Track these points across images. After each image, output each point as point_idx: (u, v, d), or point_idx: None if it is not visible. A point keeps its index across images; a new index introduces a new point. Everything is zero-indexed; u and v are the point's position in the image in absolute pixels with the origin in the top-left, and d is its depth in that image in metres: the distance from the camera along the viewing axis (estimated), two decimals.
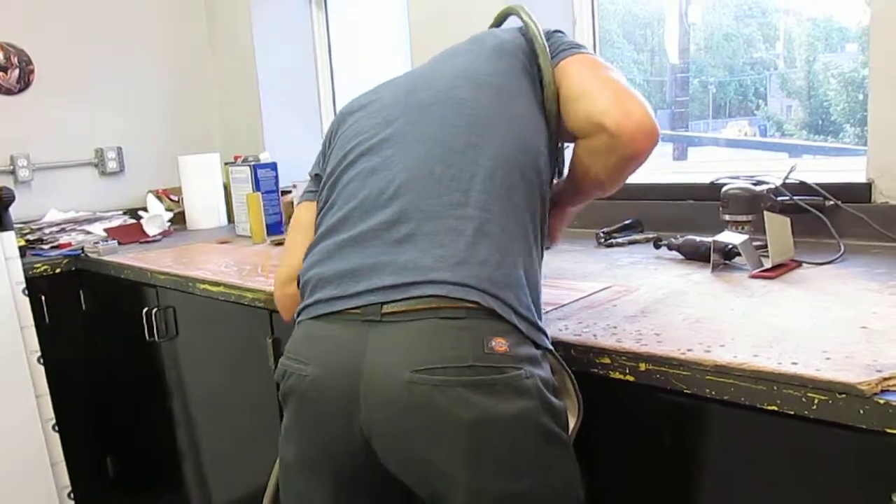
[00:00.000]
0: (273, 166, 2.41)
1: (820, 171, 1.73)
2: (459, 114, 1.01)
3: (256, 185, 2.34)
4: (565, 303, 1.23)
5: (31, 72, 2.73)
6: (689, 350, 0.94)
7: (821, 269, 1.32)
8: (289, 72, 3.07)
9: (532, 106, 1.06)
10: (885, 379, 0.79)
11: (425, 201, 0.94)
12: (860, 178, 1.55)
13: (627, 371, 0.98)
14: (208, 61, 3.19)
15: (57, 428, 2.23)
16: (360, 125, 1.07)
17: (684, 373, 0.92)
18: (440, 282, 0.87)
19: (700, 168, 2.23)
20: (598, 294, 1.27)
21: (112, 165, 2.92)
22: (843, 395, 0.79)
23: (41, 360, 2.19)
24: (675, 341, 0.98)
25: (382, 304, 0.87)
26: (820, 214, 1.51)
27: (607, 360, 1.00)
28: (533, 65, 1.09)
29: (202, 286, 1.78)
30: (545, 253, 1.10)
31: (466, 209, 0.93)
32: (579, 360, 1.02)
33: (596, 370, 1.01)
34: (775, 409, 0.85)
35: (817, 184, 1.56)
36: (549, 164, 1.07)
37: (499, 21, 1.27)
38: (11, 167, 2.68)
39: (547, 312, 1.18)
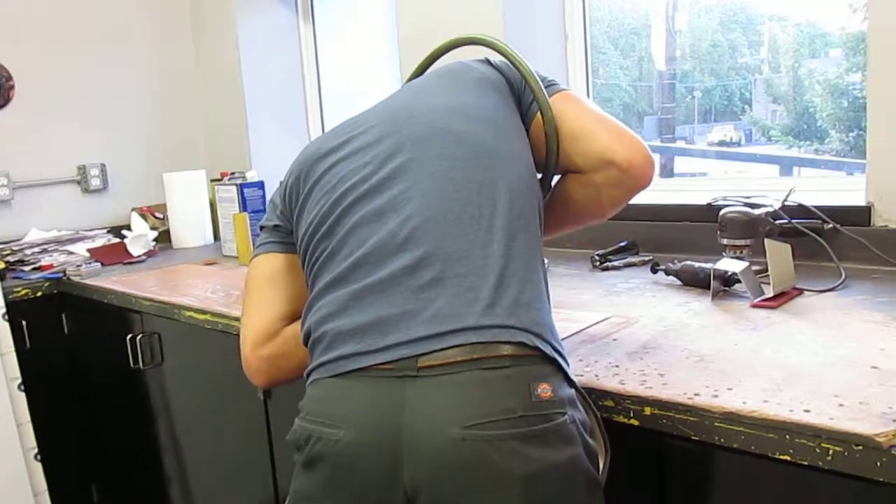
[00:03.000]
0: (260, 185, 2.37)
1: (817, 190, 1.71)
2: (463, 148, 0.97)
3: (243, 205, 2.30)
4: (564, 336, 1.19)
5: (11, 87, 2.67)
6: (696, 394, 0.91)
7: (823, 298, 1.30)
8: (276, 86, 3.03)
9: (523, 139, 1.05)
10: None
11: (447, 242, 0.88)
12: (859, 201, 1.52)
13: (632, 415, 0.95)
14: (194, 76, 3.14)
15: (40, 457, 2.18)
16: (346, 167, 0.99)
17: (692, 418, 0.89)
18: (480, 327, 0.82)
19: (695, 186, 2.20)
20: (597, 326, 1.24)
21: (95, 183, 2.86)
22: (860, 447, 0.76)
23: (22, 387, 2.14)
24: (681, 383, 0.95)
25: (418, 357, 0.81)
26: (819, 238, 1.48)
27: (611, 403, 0.96)
28: (514, 97, 1.09)
29: (188, 314, 1.74)
30: None
31: (491, 247, 0.89)
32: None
33: (600, 413, 0.97)
34: (788, 458, 0.82)
35: (816, 206, 1.53)
36: (541, 197, 1.06)
37: (448, 48, 1.21)
38: None
39: None
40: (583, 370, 1.04)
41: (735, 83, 2.65)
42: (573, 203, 1.13)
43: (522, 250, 0.91)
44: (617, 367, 1.04)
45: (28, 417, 2.16)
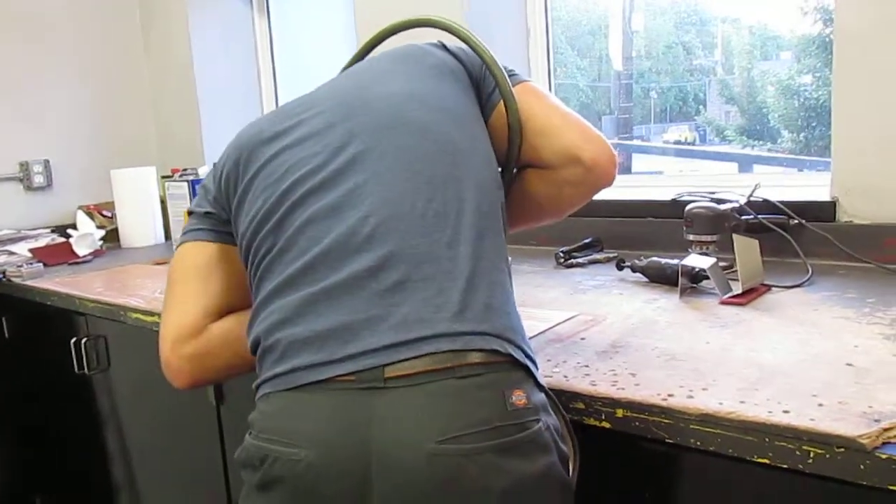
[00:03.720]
0: None
1: (781, 186, 1.70)
2: (425, 139, 0.90)
3: None
4: (530, 336, 1.14)
5: None
6: (669, 395, 0.87)
7: (791, 294, 1.28)
8: (230, 81, 2.93)
9: (484, 131, 0.99)
10: (885, 430, 0.73)
11: (412, 241, 0.81)
12: (824, 196, 1.51)
13: (603, 417, 0.90)
14: (144, 70, 3.03)
15: None
16: (294, 156, 0.91)
17: (666, 421, 0.85)
18: (451, 334, 0.76)
19: (653, 182, 2.19)
20: (564, 325, 1.20)
21: (39, 180, 2.74)
22: (842, 450, 0.73)
23: None
24: (654, 384, 0.91)
25: (384, 366, 0.74)
26: (785, 234, 1.47)
27: (581, 406, 0.92)
28: (473, 86, 1.03)
29: (134, 315, 1.65)
30: None
31: (459, 248, 0.82)
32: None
33: (571, 415, 0.93)
34: (767, 461, 0.78)
35: (781, 202, 1.52)
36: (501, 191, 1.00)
37: (400, 28, 1.11)
38: None
39: None
40: (551, 371, 0.99)
41: (690, 84, 2.67)
42: (532, 199, 1.07)
43: (490, 251, 0.86)
44: (587, 367, 1.00)
45: None
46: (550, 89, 2.23)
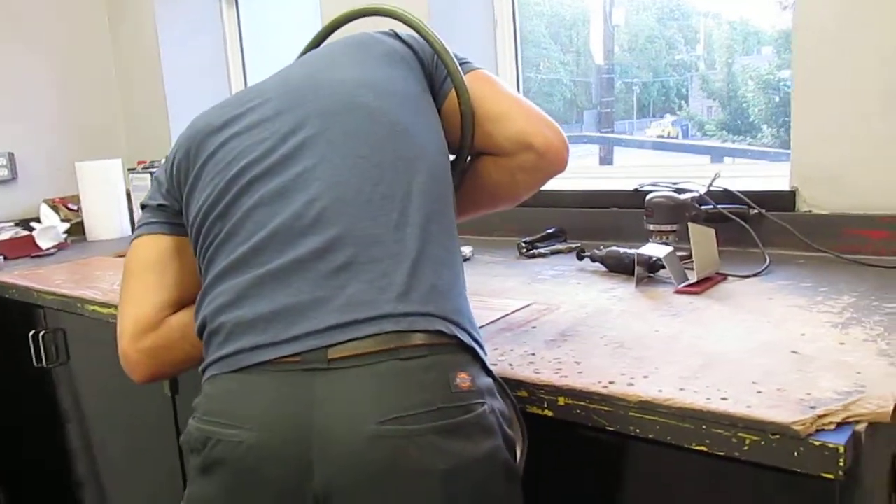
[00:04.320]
0: None
1: (744, 176, 1.69)
2: (375, 124, 0.89)
3: None
4: (482, 324, 1.13)
5: None
6: (610, 382, 0.86)
7: (747, 283, 1.27)
8: (198, 71, 2.89)
9: (436, 118, 0.99)
10: (820, 417, 0.72)
11: (359, 224, 0.81)
12: (784, 186, 1.51)
13: (546, 405, 0.89)
14: (111, 61, 2.98)
15: None
16: (242, 143, 0.90)
17: (606, 408, 0.84)
18: (396, 315, 0.76)
19: (627, 173, 2.17)
20: (517, 314, 1.18)
21: (3, 173, 2.69)
22: (777, 436, 0.72)
23: None
24: (597, 371, 0.90)
25: (328, 347, 0.74)
26: (744, 223, 1.46)
27: (525, 394, 0.91)
28: (426, 75, 1.02)
29: (91, 307, 1.63)
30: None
31: (406, 230, 0.82)
32: None
33: None
34: (704, 449, 0.77)
35: (741, 191, 1.51)
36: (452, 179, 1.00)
37: (350, 18, 1.11)
38: None
39: None
40: (497, 359, 0.98)
41: (672, 79, 2.66)
42: (487, 186, 1.08)
43: (439, 234, 0.85)
44: (533, 355, 0.98)
45: None
46: (518, 80, 2.22)
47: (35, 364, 1.86)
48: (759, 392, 0.79)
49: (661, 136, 2.75)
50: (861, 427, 0.72)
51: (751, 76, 2.41)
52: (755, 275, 1.31)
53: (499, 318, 1.16)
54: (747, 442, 0.74)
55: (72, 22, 2.87)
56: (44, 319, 1.87)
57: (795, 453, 0.71)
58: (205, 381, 0.82)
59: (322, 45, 1.12)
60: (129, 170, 2.56)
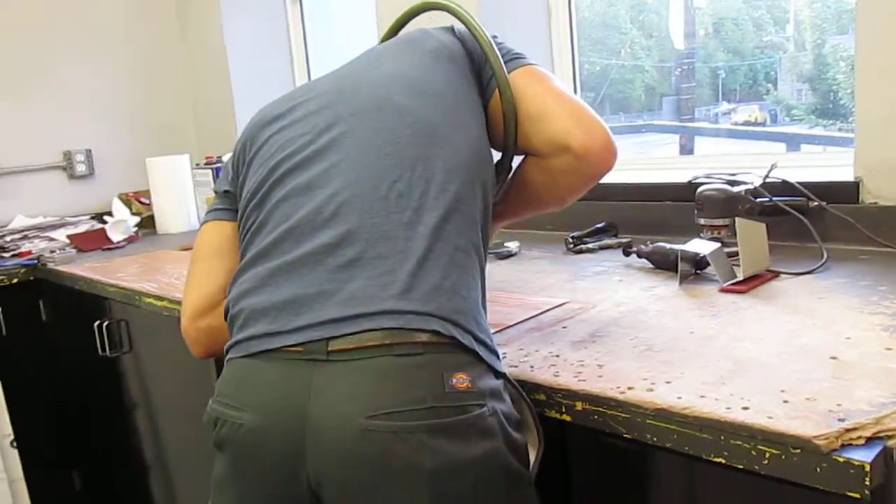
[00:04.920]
0: None
1: (807, 166, 1.60)
2: (402, 122, 0.91)
3: None
4: (511, 323, 1.11)
5: None
6: (629, 388, 0.82)
7: (799, 281, 1.20)
8: (263, 67, 2.95)
9: (477, 116, 0.98)
10: (847, 431, 0.67)
11: (371, 221, 0.83)
12: (847, 177, 1.42)
13: (564, 410, 0.86)
14: (181, 59, 3.08)
15: (16, 444, 2.15)
16: (284, 136, 0.95)
17: (623, 415, 0.80)
18: (395, 312, 0.76)
19: (705, 164, 2.08)
20: (551, 313, 1.15)
21: (81, 168, 2.82)
22: (798, 451, 0.67)
23: None
24: (618, 375, 0.86)
25: (328, 340, 0.76)
26: (802, 217, 1.38)
27: (542, 397, 0.88)
28: (474, 71, 1.02)
29: (147, 300, 1.68)
30: (506, 261, 1.19)
31: (417, 228, 0.82)
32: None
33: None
34: (722, 461, 0.73)
35: (800, 183, 1.43)
36: (493, 178, 0.99)
37: (413, 14, 1.15)
38: None
39: None
40: (520, 360, 0.96)
41: (760, 62, 2.54)
42: (530, 188, 1.06)
43: (453, 233, 0.85)
44: (557, 356, 0.96)
45: (3, 405, 2.13)
46: (574, 74, 2.16)
47: (100, 352, 1.94)
48: (786, 402, 0.74)
49: (749, 122, 2.64)
50: (893, 443, 0.66)
51: (842, 57, 2.29)
52: (809, 272, 1.23)
53: (531, 317, 1.13)
54: (767, 455, 0.70)
55: (145, 25, 2.98)
56: (108, 310, 1.95)
57: (818, 469, 0.66)
58: (225, 363, 0.85)
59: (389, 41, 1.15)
60: (196, 165, 2.63)
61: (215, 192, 1.08)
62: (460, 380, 0.75)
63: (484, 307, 0.88)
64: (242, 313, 0.84)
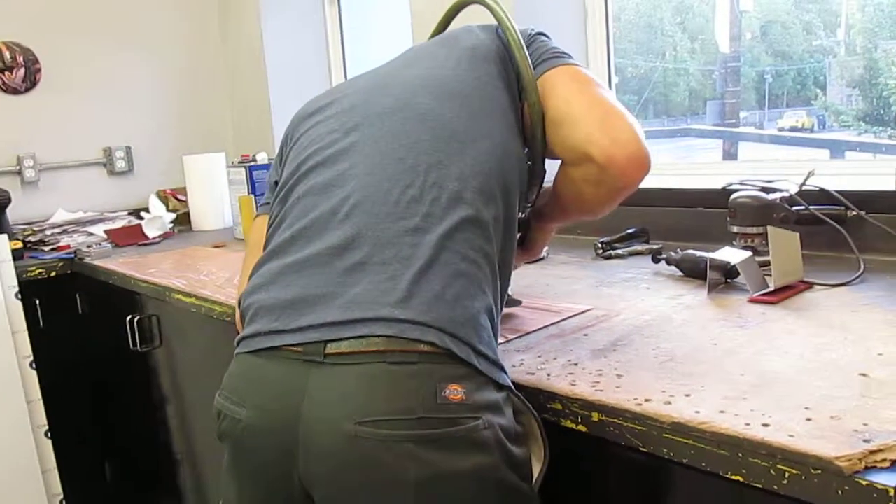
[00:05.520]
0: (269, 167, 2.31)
1: (846, 174, 1.55)
2: (423, 126, 0.89)
3: (252, 187, 2.25)
4: (532, 329, 1.09)
5: (38, 71, 2.69)
6: (646, 400, 0.80)
7: (833, 293, 1.16)
8: (300, 67, 2.97)
9: (507, 119, 0.95)
10: (872, 452, 0.64)
11: (379, 225, 0.82)
12: (889, 185, 1.36)
13: (580, 420, 0.84)
14: (220, 57, 3.12)
15: (49, 434, 2.19)
16: (316, 132, 0.95)
17: (639, 427, 0.78)
18: (392, 319, 0.75)
19: (745, 170, 2.03)
20: (573, 319, 1.13)
21: (121, 165, 2.87)
22: (818, 472, 0.64)
23: (33, 365, 2.15)
24: (636, 386, 0.84)
25: (326, 342, 0.76)
26: (839, 227, 1.33)
27: (558, 406, 0.86)
28: (511, 72, 0.98)
29: (177, 296, 1.70)
30: (533, 265, 1.10)
31: (425, 235, 0.81)
32: (530, 403, 0.88)
33: (548, 416, 0.88)
34: (740, 479, 0.70)
35: (839, 191, 1.38)
36: (522, 184, 0.96)
37: (453, 13, 1.15)
38: (18, 167, 2.65)
39: (509, 341, 1.05)
40: (537, 368, 0.94)
41: (809, 66, 2.48)
42: (559, 196, 1.03)
43: (463, 242, 0.82)
44: (575, 365, 0.93)
45: (39, 395, 2.17)
46: (609, 75, 2.12)
47: (131, 347, 1.97)
48: (809, 419, 0.71)
49: (796, 128, 2.57)
50: None
51: (894, 62, 2.22)
52: (844, 284, 1.19)
53: (551, 324, 1.11)
54: (787, 475, 0.67)
55: (186, 24, 3.03)
56: (140, 305, 1.98)
57: (840, 492, 0.63)
58: (234, 357, 0.86)
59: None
60: (231, 163, 2.65)
61: (268, 183, 1.10)
62: (454, 391, 0.74)
63: (495, 317, 0.85)
64: (252, 308, 0.85)
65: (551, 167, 1.02)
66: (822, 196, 1.40)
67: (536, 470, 0.81)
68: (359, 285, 0.78)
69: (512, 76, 0.99)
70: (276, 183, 1.04)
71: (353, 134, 0.91)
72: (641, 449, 0.78)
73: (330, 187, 0.87)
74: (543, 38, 1.03)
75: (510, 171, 0.92)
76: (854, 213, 1.35)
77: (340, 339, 0.75)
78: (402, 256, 0.79)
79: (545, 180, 1.05)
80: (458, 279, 0.80)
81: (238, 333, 1.01)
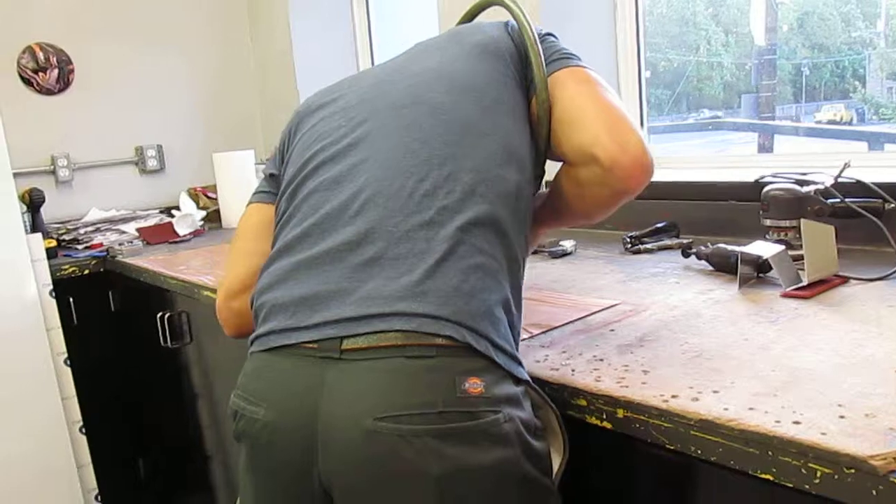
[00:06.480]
0: None
1: (886, 166, 1.50)
2: (435, 120, 0.88)
3: None
4: (558, 324, 1.08)
5: (71, 72, 2.73)
6: (673, 396, 0.78)
7: (869, 287, 1.12)
8: (329, 65, 2.98)
9: (517, 115, 0.94)
10: None
11: (393, 220, 0.81)
12: None
13: (605, 417, 0.83)
14: (249, 57, 3.14)
15: (84, 430, 2.23)
16: (323, 127, 0.95)
17: (666, 424, 0.76)
18: (409, 314, 0.75)
19: (780, 163, 1.98)
20: (600, 314, 1.11)
21: (152, 163, 2.91)
22: (852, 471, 0.62)
23: (68, 362, 2.19)
24: (663, 382, 0.82)
25: (342, 338, 0.75)
26: (876, 219, 1.29)
27: (583, 403, 0.85)
28: (520, 70, 0.98)
29: (205, 293, 1.71)
30: (560, 259, 1.13)
31: (441, 229, 0.80)
32: (554, 399, 0.87)
33: (573, 412, 0.86)
34: (770, 478, 0.68)
35: (876, 183, 1.34)
36: (533, 180, 0.95)
37: (475, 11, 1.14)
38: (52, 167, 2.70)
39: (533, 336, 1.04)
40: (562, 364, 0.92)
41: (848, 59, 2.43)
42: (561, 197, 1.01)
43: (478, 236, 0.81)
44: (601, 361, 0.92)
45: (73, 392, 2.21)
46: (639, 72, 2.09)
47: (162, 343, 1.99)
48: (842, 417, 0.69)
49: (834, 121, 2.52)
50: None
51: None
52: (881, 278, 1.15)
53: (577, 319, 1.10)
54: (818, 474, 0.65)
55: (216, 25, 3.05)
56: (171, 302, 2.00)
57: (874, 492, 0.61)
58: (248, 356, 0.86)
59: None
60: (259, 161, 2.67)
61: (263, 174, 1.09)
62: (474, 385, 0.73)
63: (514, 311, 0.84)
64: (265, 307, 0.84)
65: (551, 168, 1.01)
66: (859, 188, 1.36)
67: (556, 464, 0.80)
68: (373, 280, 0.78)
69: (521, 73, 0.98)
70: (272, 175, 1.05)
71: (362, 128, 0.91)
72: (668, 446, 0.77)
73: (340, 182, 0.87)
74: (552, 38, 1.03)
75: (521, 167, 0.91)
76: (892, 205, 1.31)
77: (357, 335, 0.75)
78: (417, 251, 0.79)
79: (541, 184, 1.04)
80: (474, 272, 0.79)
81: (222, 325, 1.03)
